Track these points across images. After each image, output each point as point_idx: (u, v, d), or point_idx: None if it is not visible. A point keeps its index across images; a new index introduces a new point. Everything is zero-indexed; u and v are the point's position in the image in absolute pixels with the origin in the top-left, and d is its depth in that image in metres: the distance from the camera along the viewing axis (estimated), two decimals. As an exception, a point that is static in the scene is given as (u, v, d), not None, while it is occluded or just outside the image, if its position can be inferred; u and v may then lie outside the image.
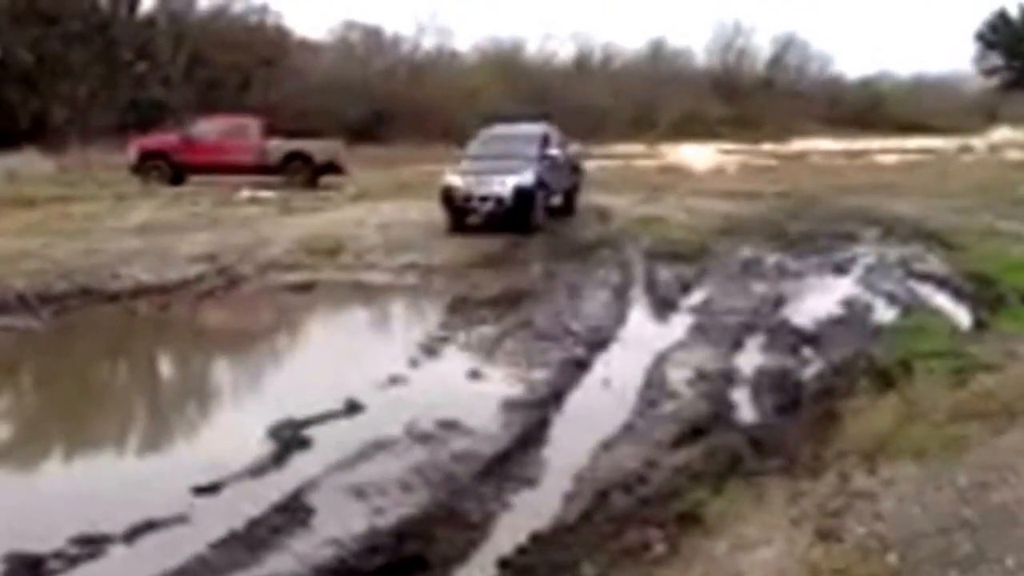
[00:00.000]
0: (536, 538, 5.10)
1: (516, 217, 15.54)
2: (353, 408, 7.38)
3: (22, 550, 4.89)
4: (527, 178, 15.74)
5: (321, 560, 4.90)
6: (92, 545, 5.08)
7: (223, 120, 26.48)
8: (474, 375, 8.34)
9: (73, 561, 4.95)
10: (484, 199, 15.73)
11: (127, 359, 10.29)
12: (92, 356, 10.18)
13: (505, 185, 15.64)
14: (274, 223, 17.43)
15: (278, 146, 25.70)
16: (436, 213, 16.86)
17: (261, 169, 25.02)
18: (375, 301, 12.56)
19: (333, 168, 25.56)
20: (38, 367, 9.65)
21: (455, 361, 8.96)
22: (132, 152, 25.53)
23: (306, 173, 25.07)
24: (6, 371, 9.24)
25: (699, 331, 9.95)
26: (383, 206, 19.54)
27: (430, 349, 9.33)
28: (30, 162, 26.87)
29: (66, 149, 29.00)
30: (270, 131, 26.25)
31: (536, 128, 18.22)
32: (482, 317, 10.58)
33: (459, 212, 16.00)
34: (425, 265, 13.82)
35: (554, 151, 16.91)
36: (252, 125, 26.17)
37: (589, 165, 29.30)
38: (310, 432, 6.84)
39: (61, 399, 8.27)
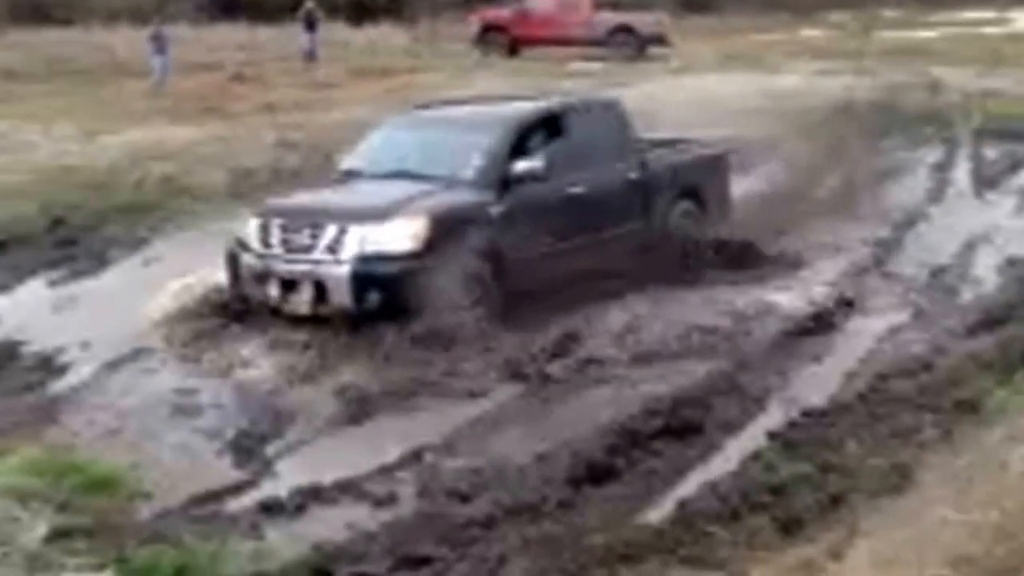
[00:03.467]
0: (808, 413, 5.38)
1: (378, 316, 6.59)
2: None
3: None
4: (402, 232, 6.72)
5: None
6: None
7: (555, -6, 26.99)
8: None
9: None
10: (290, 285, 6.84)
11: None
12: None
13: (338, 253, 6.77)
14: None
15: (605, 19, 25.99)
16: (758, 90, 15.83)
17: (589, 42, 25.47)
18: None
19: (658, 40, 25.58)
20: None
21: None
22: (474, 25, 26.85)
23: (632, 45, 25.27)
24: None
25: (1021, 215, 9.49)
26: (704, 79, 19.32)
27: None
28: (387, 34, 29.10)
29: (417, 22, 30.83)
30: (599, 4, 26.44)
31: (503, 111, 8.29)
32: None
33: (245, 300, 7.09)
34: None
35: (541, 162, 7.23)
36: (582, -1, 26.51)
37: (923, 34, 26.84)
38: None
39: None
